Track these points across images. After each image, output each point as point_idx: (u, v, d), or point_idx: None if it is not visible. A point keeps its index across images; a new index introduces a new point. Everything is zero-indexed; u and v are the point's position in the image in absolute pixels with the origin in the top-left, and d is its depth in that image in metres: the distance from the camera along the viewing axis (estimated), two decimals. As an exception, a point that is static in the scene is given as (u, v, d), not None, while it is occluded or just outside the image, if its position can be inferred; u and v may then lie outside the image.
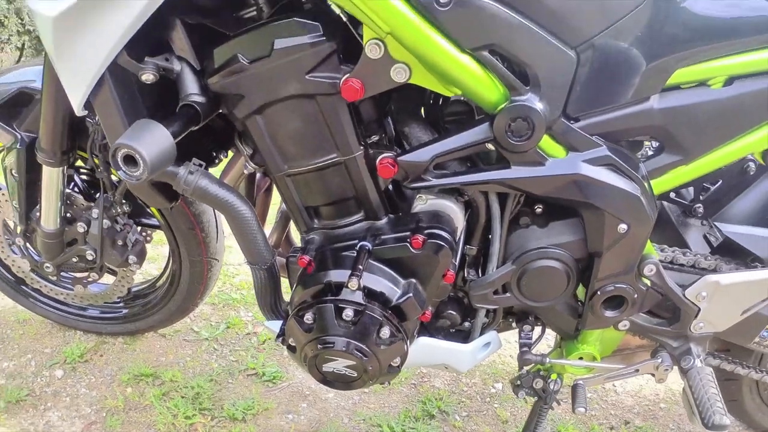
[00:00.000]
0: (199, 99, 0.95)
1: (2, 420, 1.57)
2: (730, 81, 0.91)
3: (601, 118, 0.89)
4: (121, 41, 0.85)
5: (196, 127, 0.95)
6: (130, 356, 1.83)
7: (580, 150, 0.90)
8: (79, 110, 0.95)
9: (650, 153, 1.01)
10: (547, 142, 0.89)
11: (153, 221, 1.56)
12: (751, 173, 1.10)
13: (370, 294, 0.98)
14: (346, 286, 0.96)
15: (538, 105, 0.84)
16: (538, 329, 1.20)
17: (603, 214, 0.92)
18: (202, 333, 1.95)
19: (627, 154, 0.93)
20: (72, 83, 0.91)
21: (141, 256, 1.51)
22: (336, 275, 0.99)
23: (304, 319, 1.00)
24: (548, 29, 0.82)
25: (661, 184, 0.97)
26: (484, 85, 0.85)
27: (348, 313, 0.96)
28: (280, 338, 1.09)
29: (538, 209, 1.01)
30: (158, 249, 2.32)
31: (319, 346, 1.00)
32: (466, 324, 1.14)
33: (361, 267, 0.96)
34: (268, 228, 1.26)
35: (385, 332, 0.98)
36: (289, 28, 0.86)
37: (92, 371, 1.77)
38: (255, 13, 0.93)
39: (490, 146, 0.90)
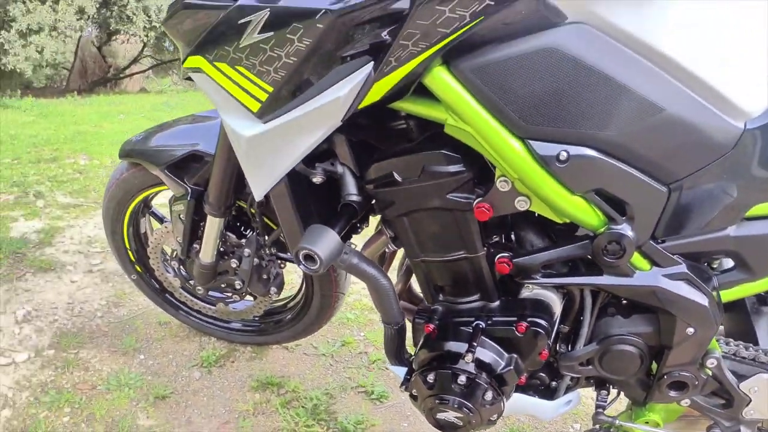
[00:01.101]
0: (357, 199, 1.17)
1: (150, 413, 1.83)
2: None
3: (683, 242, 1.02)
4: (301, 156, 1.05)
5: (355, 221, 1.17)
6: (258, 365, 2.07)
7: (662, 266, 1.04)
8: (259, 199, 1.17)
9: (725, 267, 1.12)
10: (635, 258, 1.04)
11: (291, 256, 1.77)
12: None
13: (479, 364, 1.18)
14: (463, 358, 1.15)
15: (630, 233, 0.99)
16: (613, 392, 1.34)
17: (675, 318, 1.07)
18: (320, 349, 2.17)
19: (702, 269, 1.06)
20: (256, 181, 1.13)
21: (281, 287, 1.73)
22: (455, 346, 1.19)
23: (427, 378, 1.21)
24: (646, 172, 0.95)
25: (729, 295, 1.10)
26: (588, 215, 1.00)
27: (462, 379, 1.17)
28: (404, 386, 1.28)
29: (623, 302, 1.17)
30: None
31: (436, 401, 1.21)
32: (553, 383, 1.31)
33: (475, 344, 1.15)
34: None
35: (489, 396, 1.17)
36: (437, 159, 1.04)
37: (225, 376, 2.02)
38: (405, 127, 1.11)
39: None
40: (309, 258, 1.07)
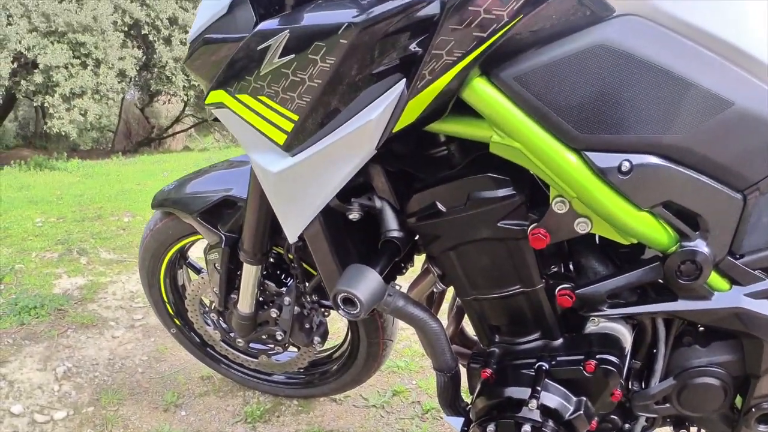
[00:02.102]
0: (398, 234, 1.06)
1: (189, 473, 1.74)
2: None
3: (764, 254, 0.92)
4: (334, 191, 0.97)
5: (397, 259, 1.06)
6: (304, 419, 1.96)
7: (743, 284, 0.93)
8: (293, 241, 1.08)
9: None
10: (712, 277, 0.93)
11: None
12: None
13: (545, 411, 1.06)
14: (526, 405, 1.03)
15: (706, 249, 0.89)
16: (693, 430, 1.22)
17: (762, 342, 0.96)
18: (370, 400, 2.05)
19: None
20: (288, 221, 1.05)
21: (324, 336, 1.64)
22: (516, 392, 1.08)
23: (487, 429, 1.09)
24: (717, 178, 0.85)
25: None
26: (657, 233, 0.90)
27: (526, 429, 1.04)
28: None
29: (701, 328, 1.05)
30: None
31: None
32: (626, 426, 1.18)
33: (539, 388, 1.04)
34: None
35: None
36: (483, 183, 0.95)
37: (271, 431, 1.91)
38: (446, 152, 1.01)
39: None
40: (348, 302, 0.98)
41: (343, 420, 1.96)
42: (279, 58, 0.87)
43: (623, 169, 0.83)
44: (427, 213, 1.00)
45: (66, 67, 9.14)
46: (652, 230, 0.89)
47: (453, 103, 0.87)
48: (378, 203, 1.06)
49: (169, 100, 12.25)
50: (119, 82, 9.83)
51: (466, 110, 0.87)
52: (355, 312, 0.97)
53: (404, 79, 0.82)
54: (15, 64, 9.28)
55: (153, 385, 2.14)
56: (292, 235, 1.06)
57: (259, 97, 0.93)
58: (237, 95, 0.96)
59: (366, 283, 0.97)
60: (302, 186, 0.97)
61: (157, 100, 12.65)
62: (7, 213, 4.64)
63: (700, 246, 0.89)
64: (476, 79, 0.83)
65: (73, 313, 2.66)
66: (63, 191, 5.75)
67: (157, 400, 2.05)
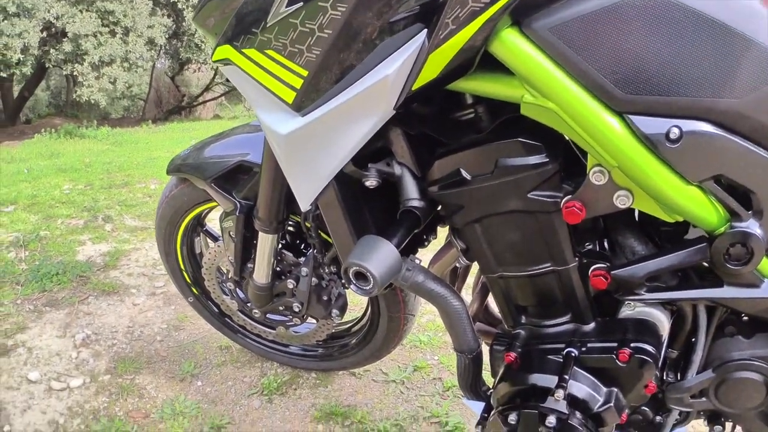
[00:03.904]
0: (419, 204, 0.97)
1: (206, 444, 1.70)
2: None
3: None
4: (348, 155, 0.88)
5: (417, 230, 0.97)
6: (322, 392, 1.92)
7: None
8: (305, 209, 1.01)
9: None
10: (764, 263, 0.83)
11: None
12: None
13: (572, 401, 0.98)
14: (552, 394, 0.95)
15: (759, 231, 0.79)
16: (728, 425, 1.13)
17: None
18: (390, 375, 2.00)
19: None
20: (300, 188, 0.97)
21: (343, 309, 1.57)
22: (542, 380, 0.99)
23: (508, 419, 1.01)
24: None
25: None
26: (706, 211, 0.80)
27: (551, 420, 0.96)
28: (480, 427, 1.09)
29: (746, 318, 0.96)
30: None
31: None
32: (658, 418, 1.10)
33: (567, 376, 0.95)
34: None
35: None
36: (513, 149, 0.85)
37: (287, 404, 1.87)
38: (473, 115, 0.92)
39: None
40: (361, 276, 0.89)
41: (362, 395, 1.91)
42: (286, 7, 0.79)
43: (672, 136, 0.73)
44: (450, 181, 0.92)
45: (95, 36, 9.16)
46: (701, 207, 0.80)
47: (480, 58, 0.77)
48: (397, 170, 0.97)
49: (200, 68, 12.27)
50: (148, 51, 9.83)
51: (494, 66, 0.77)
52: (368, 288, 0.89)
53: (425, 30, 0.73)
54: (44, 34, 9.33)
55: (171, 354, 2.12)
56: (304, 203, 0.98)
57: (266, 51, 0.84)
58: (243, 50, 0.88)
59: (380, 256, 0.89)
60: (314, 149, 0.89)
61: (187, 68, 12.64)
62: (36, 180, 4.68)
63: (753, 227, 0.79)
64: (506, 30, 0.73)
65: (95, 280, 2.65)
66: (92, 159, 5.78)
67: (174, 369, 2.03)
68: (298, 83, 0.83)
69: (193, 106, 13.81)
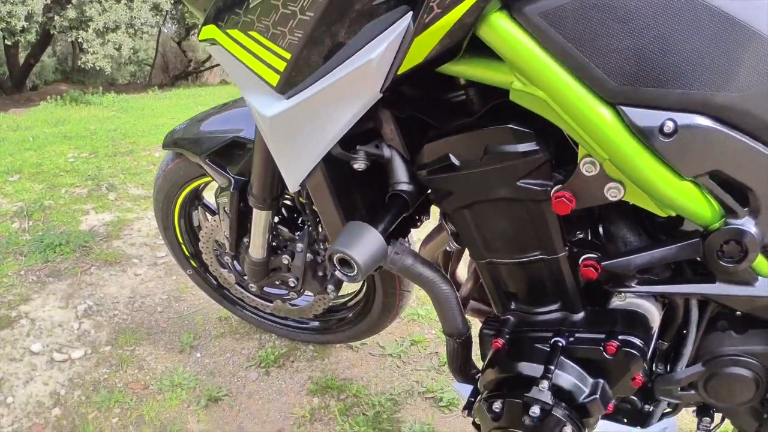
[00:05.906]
0: (408, 188, 0.96)
1: (201, 416, 1.72)
2: None
3: None
4: (335, 138, 0.87)
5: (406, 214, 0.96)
6: (319, 365, 1.93)
7: None
8: (293, 190, 0.99)
9: None
10: (759, 261, 0.81)
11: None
12: None
13: (557, 392, 0.97)
14: (537, 384, 0.95)
15: (754, 229, 0.77)
16: (717, 416, 1.12)
17: None
18: (387, 348, 2.01)
19: None
20: (287, 170, 0.96)
21: (339, 285, 1.56)
22: (528, 369, 0.99)
23: (493, 407, 1.01)
24: None
25: None
26: (700, 206, 0.78)
27: (535, 410, 0.96)
28: (466, 412, 1.09)
29: (738, 314, 0.94)
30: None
31: None
32: (646, 407, 1.10)
33: (553, 366, 0.95)
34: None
35: (567, 430, 0.96)
36: (503, 135, 0.83)
37: (283, 377, 1.89)
38: (464, 98, 0.90)
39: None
40: (345, 263, 0.89)
41: (358, 368, 1.92)
42: None
43: (666, 130, 0.71)
44: (439, 166, 0.90)
45: (99, 2, 9.05)
46: (695, 203, 0.78)
47: (469, 42, 0.75)
48: (386, 152, 0.95)
49: (195, 33, 12.13)
50: (154, 16, 9.72)
51: (483, 50, 0.75)
52: (352, 274, 0.89)
53: (410, 12, 0.71)
54: (48, 0, 9.22)
55: (171, 326, 2.14)
56: (292, 184, 0.97)
57: (249, 32, 0.82)
58: (228, 30, 0.85)
59: (364, 243, 0.88)
60: (299, 132, 0.87)
61: (193, 33, 12.49)
62: (41, 149, 4.68)
63: (748, 225, 0.78)
64: (495, 14, 0.70)
65: (97, 250, 2.67)
66: (97, 126, 5.76)
67: (173, 340, 2.05)
68: (281, 66, 0.81)
69: (200, 71, 13.71)
